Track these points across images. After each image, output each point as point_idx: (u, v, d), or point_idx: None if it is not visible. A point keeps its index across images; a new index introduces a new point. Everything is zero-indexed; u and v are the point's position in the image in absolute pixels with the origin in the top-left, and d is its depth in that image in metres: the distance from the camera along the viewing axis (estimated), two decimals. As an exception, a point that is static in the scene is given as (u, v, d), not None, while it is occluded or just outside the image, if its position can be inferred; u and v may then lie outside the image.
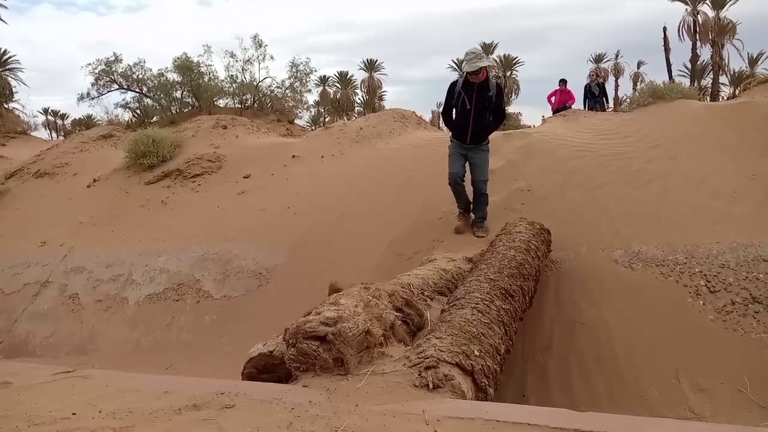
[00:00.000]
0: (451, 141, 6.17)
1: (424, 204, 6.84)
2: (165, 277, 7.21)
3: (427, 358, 2.33)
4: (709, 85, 33.20)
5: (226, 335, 6.11)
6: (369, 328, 2.51)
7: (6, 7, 32.61)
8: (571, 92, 14.11)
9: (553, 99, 14.12)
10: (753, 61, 35.31)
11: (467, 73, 5.74)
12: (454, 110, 6.04)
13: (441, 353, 2.38)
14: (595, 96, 14.00)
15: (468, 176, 6.10)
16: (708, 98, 29.57)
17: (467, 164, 6.05)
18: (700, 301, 4.57)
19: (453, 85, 6.02)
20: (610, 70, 44.64)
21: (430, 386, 2.21)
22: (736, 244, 4.95)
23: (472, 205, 6.20)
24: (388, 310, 2.86)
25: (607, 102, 14.65)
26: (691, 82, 31.61)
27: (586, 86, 14.23)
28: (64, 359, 6.41)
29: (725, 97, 30.13)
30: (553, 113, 13.93)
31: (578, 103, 14.16)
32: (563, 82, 14.40)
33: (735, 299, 4.50)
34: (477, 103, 5.81)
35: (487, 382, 2.46)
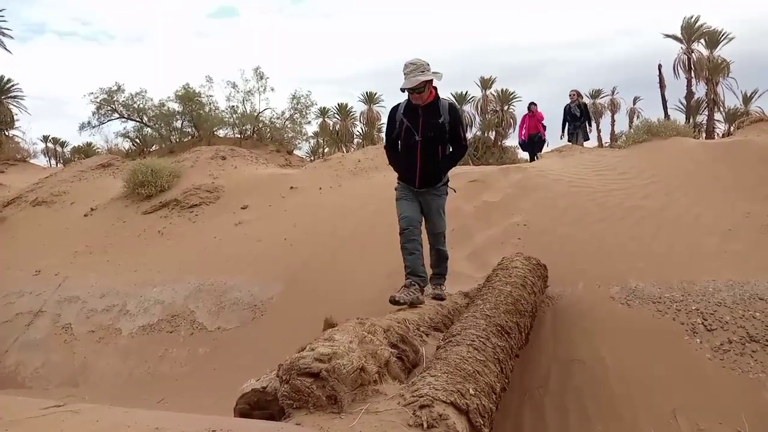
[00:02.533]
0: (397, 184, 4.77)
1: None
2: (159, 308, 7.16)
3: (422, 396, 2.31)
4: (705, 121, 33.62)
5: (219, 368, 6.04)
6: (363, 365, 2.49)
7: (12, 37, 33.08)
8: (541, 114, 12.67)
9: (523, 130, 12.76)
10: (747, 99, 35.83)
11: (407, 92, 4.42)
12: (399, 144, 4.70)
13: (436, 392, 2.35)
14: (576, 118, 12.51)
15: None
16: (704, 134, 29.93)
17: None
18: (697, 339, 4.55)
19: (393, 110, 4.65)
20: (606, 105, 45.21)
21: (425, 426, 2.18)
22: (732, 282, 4.95)
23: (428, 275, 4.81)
24: (383, 346, 2.84)
25: (590, 125, 13.15)
26: (686, 118, 32.04)
27: (565, 107, 12.66)
28: (55, 391, 6.31)
29: (720, 134, 30.51)
30: (522, 145, 13.12)
31: (551, 126, 12.90)
32: (532, 105, 12.86)
33: (732, 338, 4.48)
34: (425, 132, 4.44)
35: (482, 422, 2.43)
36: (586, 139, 12.74)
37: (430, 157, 4.50)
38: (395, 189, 4.77)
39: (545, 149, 12.90)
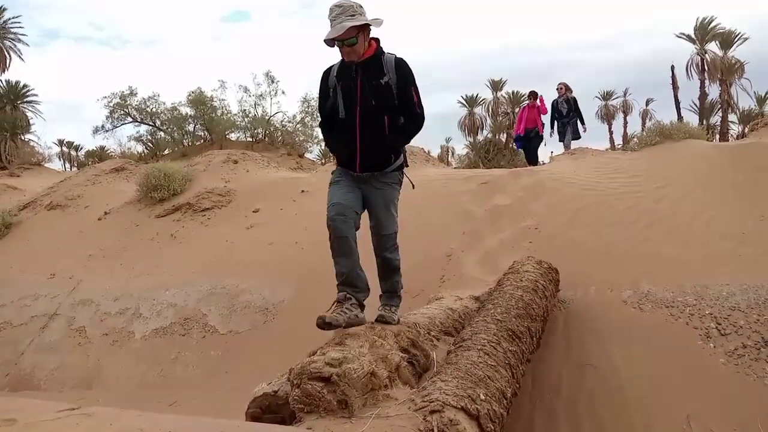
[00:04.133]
0: (336, 168, 3.67)
1: (430, 241, 6.84)
2: (172, 312, 7.21)
3: (432, 401, 2.31)
4: (719, 122, 33.36)
5: (231, 371, 6.07)
6: (374, 369, 2.50)
7: (27, 44, 33.41)
8: (545, 107, 11.56)
9: (522, 123, 11.64)
10: (761, 100, 35.53)
11: (333, 43, 3.34)
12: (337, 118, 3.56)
13: (446, 397, 2.36)
14: (563, 115, 11.36)
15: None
16: (717, 136, 29.68)
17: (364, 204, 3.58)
18: (711, 344, 4.51)
19: (325, 75, 3.58)
20: (619, 107, 44.97)
21: (435, 431, 2.19)
22: (747, 286, 4.90)
23: (381, 286, 3.80)
24: (393, 350, 2.85)
25: (582, 123, 11.60)
26: (700, 119, 31.78)
27: (553, 103, 11.52)
28: (69, 393, 6.38)
29: (735, 135, 30.23)
30: (517, 141, 12.24)
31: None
32: (533, 95, 11.62)
33: (746, 342, 4.44)
34: (364, 99, 3.40)
35: (493, 427, 2.43)
36: (576, 137, 11.49)
37: (374, 132, 3.42)
38: (331, 173, 3.68)
39: (542, 149, 12.11)
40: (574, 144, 11.48)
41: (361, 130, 3.42)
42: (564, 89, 11.54)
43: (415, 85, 3.48)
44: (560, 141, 11.70)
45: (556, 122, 11.58)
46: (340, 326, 3.08)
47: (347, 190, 3.48)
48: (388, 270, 3.69)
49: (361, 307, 3.38)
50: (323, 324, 3.08)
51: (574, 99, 11.57)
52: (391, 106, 3.44)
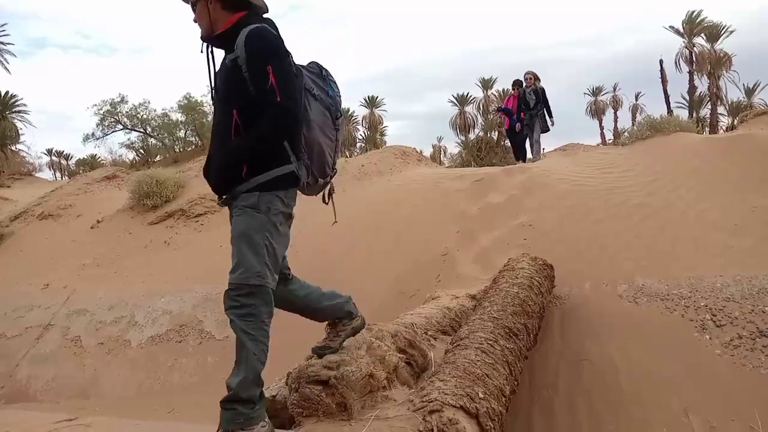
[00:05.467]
0: None
1: (425, 241, 6.85)
2: (167, 319, 7.18)
3: (431, 401, 2.31)
4: (708, 115, 33.55)
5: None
6: (372, 371, 2.50)
7: (14, 55, 33.19)
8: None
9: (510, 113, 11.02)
10: (750, 92, 35.79)
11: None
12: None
13: (445, 396, 2.35)
14: (530, 107, 10.50)
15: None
16: (707, 128, 29.84)
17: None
18: (707, 336, 4.53)
19: None
20: (608, 102, 45.11)
21: (435, 431, 2.18)
22: (740, 277, 4.92)
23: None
24: (391, 351, 2.84)
25: (550, 114, 10.63)
26: (689, 112, 31.95)
27: (519, 94, 10.80)
28: (66, 404, 6.33)
29: (724, 128, 30.41)
30: (508, 132, 11.75)
31: None
32: (518, 84, 10.97)
33: (742, 333, 4.46)
34: (216, 89, 2.43)
35: (492, 425, 2.43)
36: (545, 130, 10.70)
37: (220, 135, 2.39)
38: None
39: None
40: (562, 141, 11.26)
41: (214, 129, 2.45)
42: (532, 79, 10.70)
43: (277, 63, 2.26)
44: (525, 133, 11.05)
45: (522, 114, 10.75)
46: (335, 351, 2.52)
47: None
48: (237, 344, 2.33)
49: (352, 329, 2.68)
50: (315, 353, 2.56)
51: (542, 89, 10.73)
52: (241, 93, 2.28)
